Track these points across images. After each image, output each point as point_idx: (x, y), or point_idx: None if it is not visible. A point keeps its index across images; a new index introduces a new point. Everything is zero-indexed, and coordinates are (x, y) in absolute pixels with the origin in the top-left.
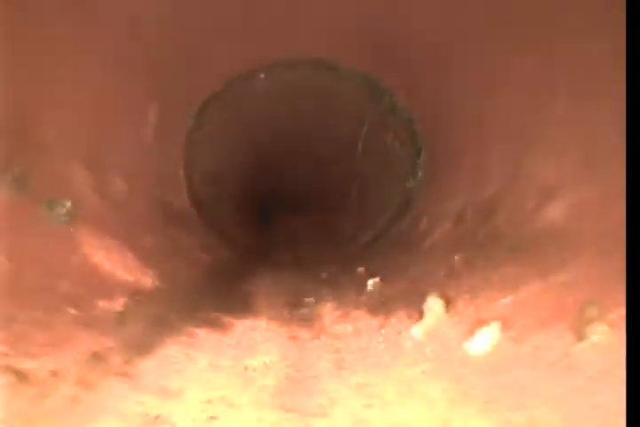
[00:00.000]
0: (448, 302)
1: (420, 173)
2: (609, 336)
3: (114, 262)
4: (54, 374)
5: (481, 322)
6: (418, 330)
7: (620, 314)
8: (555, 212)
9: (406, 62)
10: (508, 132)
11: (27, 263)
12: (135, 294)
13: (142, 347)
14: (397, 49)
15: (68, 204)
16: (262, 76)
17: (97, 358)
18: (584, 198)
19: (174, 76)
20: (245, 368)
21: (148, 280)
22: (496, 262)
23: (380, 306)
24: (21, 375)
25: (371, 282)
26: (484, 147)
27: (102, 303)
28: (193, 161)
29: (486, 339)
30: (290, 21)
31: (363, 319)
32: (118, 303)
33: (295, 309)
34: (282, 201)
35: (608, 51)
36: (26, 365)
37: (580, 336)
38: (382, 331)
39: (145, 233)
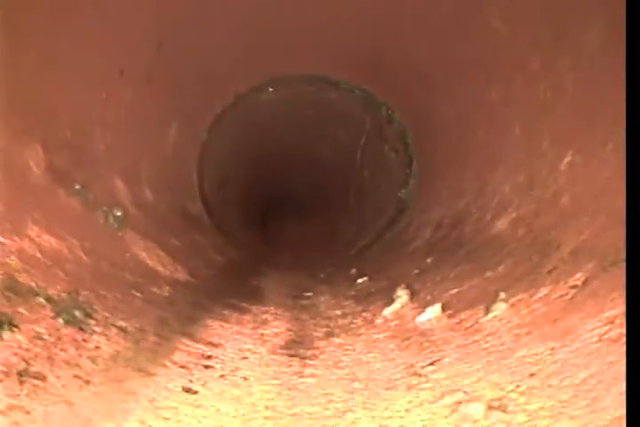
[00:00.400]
0: (413, 293)
1: (411, 183)
2: (505, 312)
3: (153, 260)
4: (141, 329)
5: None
6: (387, 312)
7: (519, 298)
8: (501, 223)
9: (400, 82)
10: (479, 153)
11: (98, 259)
12: (174, 284)
13: (189, 319)
14: (392, 69)
15: (119, 213)
16: (270, 89)
17: (163, 322)
18: (522, 214)
19: (191, 93)
20: (261, 334)
21: (180, 275)
22: (455, 263)
23: (364, 297)
24: (122, 329)
25: (360, 281)
26: (462, 164)
27: (154, 289)
28: (204, 170)
29: (430, 314)
30: (296, 42)
31: (349, 307)
32: (165, 290)
33: (296, 299)
34: (284, 207)
35: (552, 93)
36: (120, 324)
37: (487, 312)
38: (362, 314)
39: (171, 236)
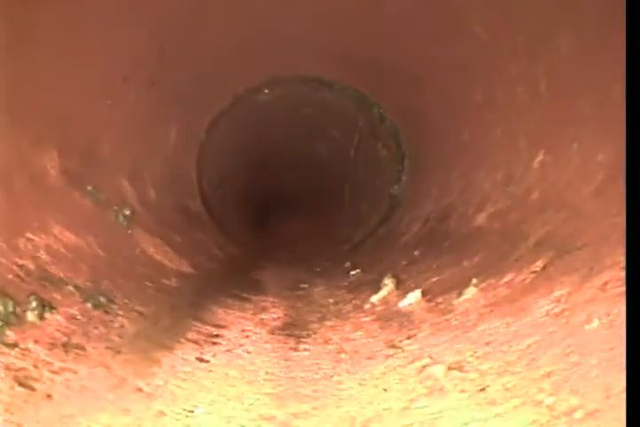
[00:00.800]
0: (399, 282)
1: (403, 180)
2: (475, 295)
3: (160, 255)
4: (156, 313)
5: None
6: (374, 298)
7: (488, 283)
8: (481, 217)
9: (392, 84)
10: (465, 153)
11: (113, 253)
12: (180, 276)
13: (197, 306)
14: (384, 71)
15: (128, 212)
16: (266, 91)
17: (174, 308)
18: (498, 209)
19: (190, 95)
20: (261, 319)
21: (185, 268)
22: (438, 255)
23: (355, 287)
24: (140, 313)
25: (353, 273)
26: (449, 163)
27: (164, 280)
28: (204, 169)
29: (411, 299)
30: (292, 45)
31: (341, 295)
32: (173, 281)
33: (293, 291)
34: (282, 204)
35: (528, 97)
36: (138, 308)
37: (460, 295)
38: (352, 301)
39: (174, 233)
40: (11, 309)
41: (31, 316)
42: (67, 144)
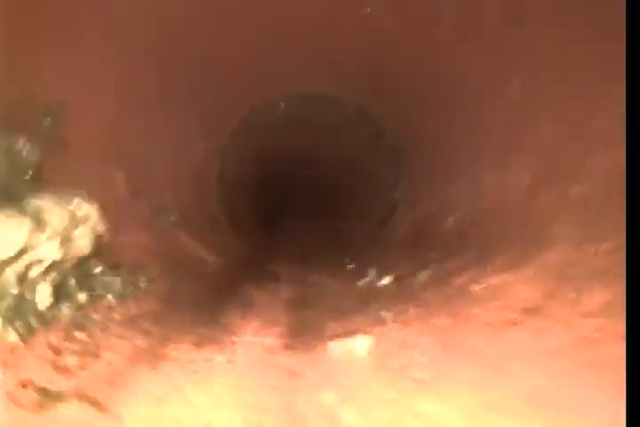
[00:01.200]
0: (381, 270)
1: (400, 187)
2: (425, 277)
3: (197, 250)
4: (204, 288)
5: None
6: (361, 282)
7: (437, 268)
8: (448, 222)
9: (394, 99)
10: (446, 168)
11: (166, 248)
12: (212, 265)
13: (227, 282)
14: (389, 87)
15: (173, 217)
16: (282, 105)
17: (215, 286)
18: (461, 216)
19: (214, 108)
20: (278, 297)
21: (216, 262)
22: (414, 250)
23: (350, 276)
24: (198, 290)
25: (349, 267)
26: (435, 175)
27: (203, 268)
28: (223, 176)
29: (385, 281)
30: (302, 63)
31: (339, 283)
32: (208, 267)
33: (301, 282)
34: (293, 209)
35: (482, 129)
36: (189, 286)
37: (416, 277)
38: (346, 285)
39: (203, 233)
40: (131, 280)
41: (144, 285)
42: (128, 165)
